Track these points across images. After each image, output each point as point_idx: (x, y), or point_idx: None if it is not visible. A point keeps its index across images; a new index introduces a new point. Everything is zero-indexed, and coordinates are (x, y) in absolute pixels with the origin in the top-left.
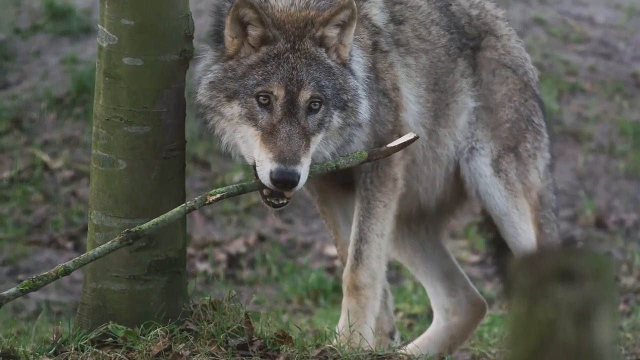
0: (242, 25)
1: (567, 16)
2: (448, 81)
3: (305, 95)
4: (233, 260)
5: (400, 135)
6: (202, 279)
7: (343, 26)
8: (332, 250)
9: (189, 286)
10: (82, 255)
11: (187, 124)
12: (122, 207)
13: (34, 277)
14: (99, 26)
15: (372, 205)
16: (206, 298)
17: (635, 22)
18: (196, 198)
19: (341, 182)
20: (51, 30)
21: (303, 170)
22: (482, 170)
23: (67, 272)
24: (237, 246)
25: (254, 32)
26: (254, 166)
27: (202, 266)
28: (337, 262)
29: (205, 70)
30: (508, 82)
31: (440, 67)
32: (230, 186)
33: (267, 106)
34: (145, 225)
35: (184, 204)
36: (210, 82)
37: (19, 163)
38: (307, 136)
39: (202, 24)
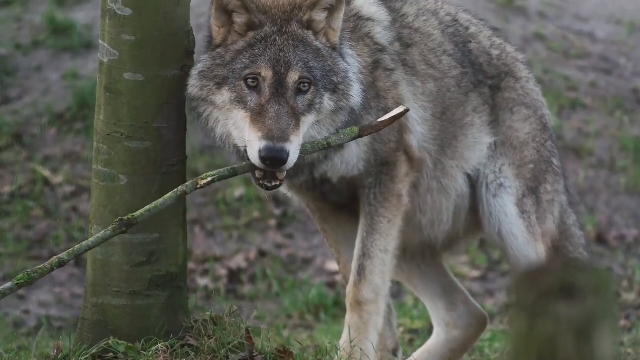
0: (227, 14)
1: (568, 32)
2: (457, 113)
3: (293, 76)
4: (234, 276)
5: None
6: (202, 294)
7: (331, 10)
8: (332, 266)
9: (190, 301)
10: (76, 246)
11: (187, 139)
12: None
13: (29, 270)
14: (100, 41)
15: (376, 221)
16: (207, 313)
17: (636, 37)
18: (187, 183)
19: (335, 203)
20: (52, 46)
21: (292, 148)
22: (508, 209)
23: (61, 263)
24: (238, 261)
25: (239, 19)
26: (246, 149)
27: (202, 281)
28: (338, 278)
29: (195, 63)
30: (531, 121)
31: (449, 98)
32: (222, 169)
33: (255, 88)
34: (137, 213)
35: (175, 190)
36: (200, 72)
37: (19, 178)
38: (296, 116)
39: (203, 39)
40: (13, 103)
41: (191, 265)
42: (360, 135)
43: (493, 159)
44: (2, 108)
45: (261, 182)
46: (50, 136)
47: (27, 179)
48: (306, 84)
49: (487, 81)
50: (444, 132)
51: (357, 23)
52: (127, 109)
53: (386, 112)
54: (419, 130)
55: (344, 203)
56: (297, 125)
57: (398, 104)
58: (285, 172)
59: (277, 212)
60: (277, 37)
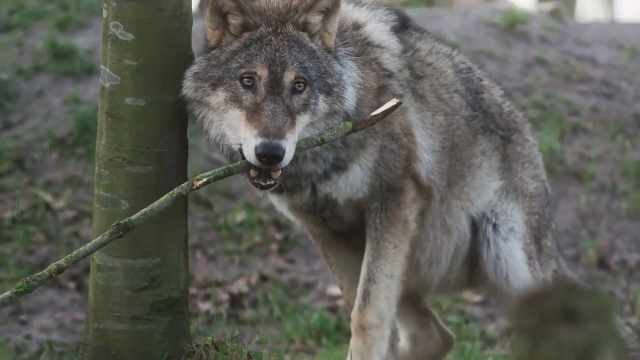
0: (221, 16)
1: (569, 56)
2: (466, 152)
3: (289, 76)
4: (235, 300)
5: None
6: (204, 318)
7: (326, 13)
8: (334, 290)
9: (192, 326)
10: (73, 252)
11: (189, 164)
12: (125, 247)
13: (27, 278)
14: (102, 66)
15: (382, 246)
16: (209, 338)
17: (638, 62)
18: (183, 184)
19: (335, 230)
20: (54, 71)
21: (288, 145)
22: (516, 253)
23: (60, 270)
24: (240, 286)
25: (234, 20)
26: (241, 150)
27: (204, 306)
28: (340, 302)
29: (190, 65)
30: (537, 180)
31: (458, 135)
32: (217, 169)
33: (251, 87)
34: (134, 216)
35: (171, 192)
36: (195, 74)
37: (21, 203)
38: (292, 114)
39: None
40: (14, 128)
41: (193, 290)
42: (353, 130)
43: (505, 201)
44: (4, 133)
45: (256, 181)
46: (51, 161)
47: (28, 203)
48: (301, 84)
49: (497, 131)
50: (452, 169)
51: (365, 48)
52: (129, 133)
53: (392, 138)
54: (427, 159)
55: (343, 230)
56: (293, 123)
57: (407, 130)
58: (280, 171)
59: (278, 236)
60: (273, 38)
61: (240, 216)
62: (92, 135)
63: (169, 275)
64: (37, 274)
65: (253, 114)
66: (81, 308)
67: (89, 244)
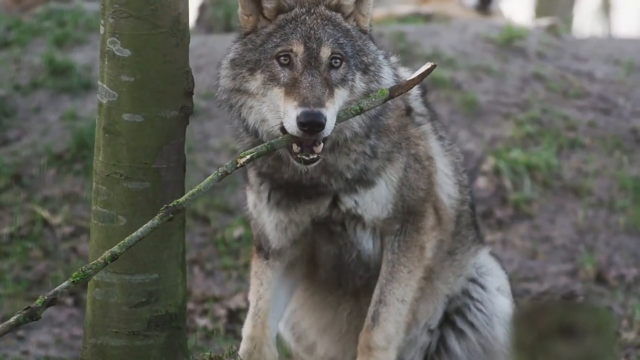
0: (255, 1)
1: (566, 72)
2: (463, 231)
3: (326, 51)
4: (233, 315)
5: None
6: (202, 334)
7: None
8: None
9: (189, 341)
10: (126, 238)
11: (187, 180)
12: (122, 262)
13: (83, 267)
14: (99, 82)
15: (396, 270)
16: (206, 353)
17: (635, 77)
18: (227, 163)
19: (311, 261)
20: (51, 87)
21: (329, 114)
22: (508, 309)
23: (114, 257)
24: (237, 301)
25: (268, 4)
26: (282, 129)
27: (202, 321)
28: None
29: (226, 52)
30: None
31: (464, 210)
32: (259, 146)
33: (288, 65)
34: (182, 198)
35: (216, 171)
36: (232, 60)
37: (18, 219)
38: (330, 86)
39: (202, 80)
40: (12, 144)
41: (190, 305)
42: (391, 96)
43: (490, 262)
44: (1, 149)
45: (299, 155)
46: (49, 177)
47: (26, 219)
48: (338, 60)
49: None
50: (454, 237)
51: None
52: (126, 149)
53: (416, 159)
54: (448, 184)
55: (317, 261)
56: (332, 94)
57: (427, 154)
58: (322, 145)
59: None
60: (307, 17)
61: (237, 231)
62: (90, 151)
63: (166, 291)
64: (92, 262)
65: (292, 88)
66: (79, 324)
67: (140, 229)
